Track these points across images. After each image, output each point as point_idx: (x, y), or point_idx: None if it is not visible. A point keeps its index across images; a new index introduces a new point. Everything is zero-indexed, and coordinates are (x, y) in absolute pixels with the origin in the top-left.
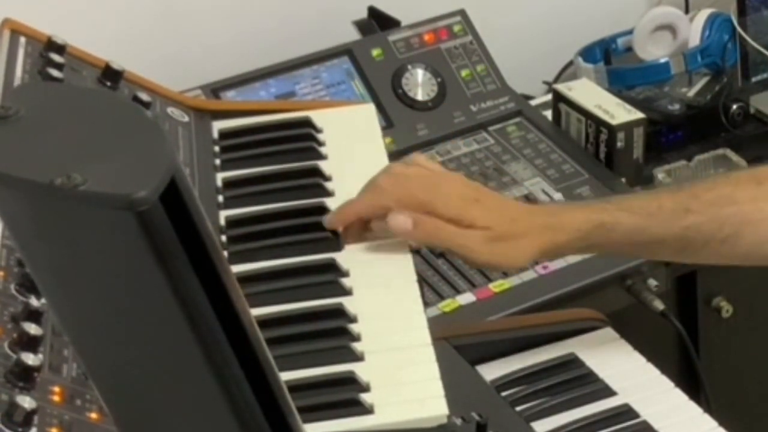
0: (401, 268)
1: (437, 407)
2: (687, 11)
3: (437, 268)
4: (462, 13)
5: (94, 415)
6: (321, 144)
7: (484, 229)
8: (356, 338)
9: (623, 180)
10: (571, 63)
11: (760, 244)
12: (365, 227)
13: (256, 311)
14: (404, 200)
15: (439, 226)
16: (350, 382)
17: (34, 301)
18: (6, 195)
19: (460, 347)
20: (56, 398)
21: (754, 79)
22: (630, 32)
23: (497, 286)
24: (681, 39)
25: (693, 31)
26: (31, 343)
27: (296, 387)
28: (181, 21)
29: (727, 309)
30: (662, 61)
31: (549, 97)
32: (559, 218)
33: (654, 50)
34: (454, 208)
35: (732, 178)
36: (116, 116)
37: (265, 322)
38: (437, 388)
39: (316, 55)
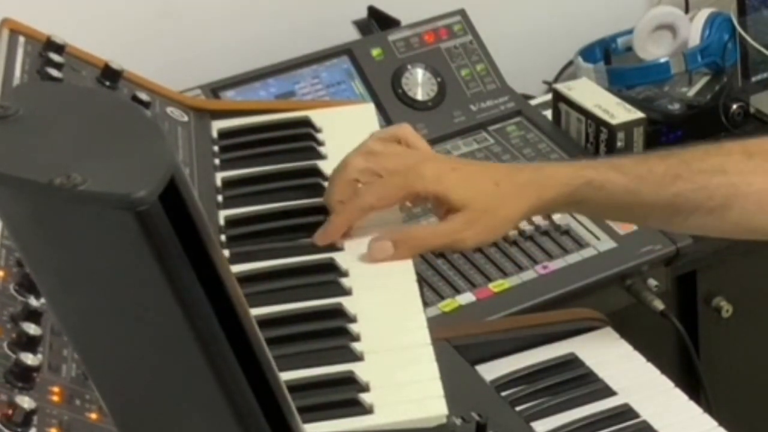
0: (401, 268)
1: (437, 407)
2: (687, 11)
3: (437, 268)
4: (462, 12)
5: (93, 415)
6: (320, 144)
7: (462, 208)
8: (356, 338)
9: None
10: (571, 63)
11: (748, 216)
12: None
13: (256, 311)
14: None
15: (417, 236)
16: (350, 382)
17: (33, 301)
18: (5, 195)
19: (460, 347)
20: (55, 398)
21: (754, 79)
22: (630, 32)
23: (497, 286)
24: (681, 39)
25: (693, 30)
26: (30, 343)
27: (296, 387)
28: (180, 21)
29: (727, 309)
30: (662, 60)
31: (549, 96)
32: (545, 173)
33: (654, 50)
34: (431, 182)
35: (723, 148)
36: (115, 116)
37: (265, 322)
38: (437, 388)
39: (316, 54)
